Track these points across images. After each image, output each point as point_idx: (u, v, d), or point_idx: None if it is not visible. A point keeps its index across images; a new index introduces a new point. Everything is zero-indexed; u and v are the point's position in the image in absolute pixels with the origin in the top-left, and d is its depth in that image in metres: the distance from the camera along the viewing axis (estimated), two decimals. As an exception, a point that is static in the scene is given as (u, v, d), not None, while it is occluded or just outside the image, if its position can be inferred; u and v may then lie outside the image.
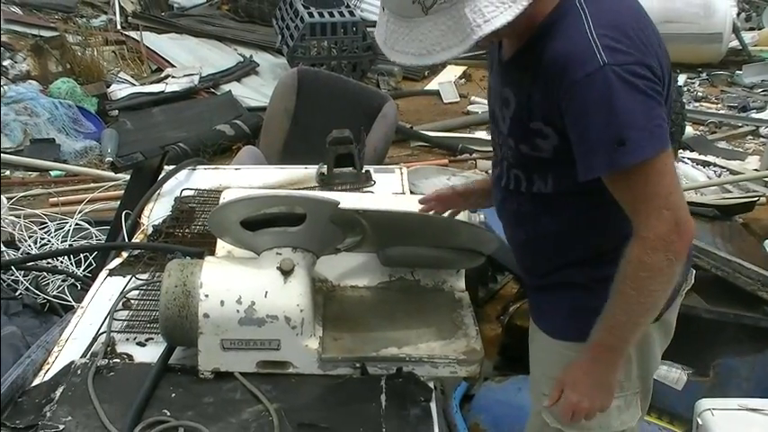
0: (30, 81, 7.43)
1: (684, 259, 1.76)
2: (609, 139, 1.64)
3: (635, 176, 1.67)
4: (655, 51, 1.70)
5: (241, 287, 2.03)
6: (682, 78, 8.07)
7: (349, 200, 2.18)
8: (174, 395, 2.03)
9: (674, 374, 3.07)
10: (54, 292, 3.85)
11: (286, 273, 2.04)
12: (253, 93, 7.62)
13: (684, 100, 6.70)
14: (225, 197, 2.44)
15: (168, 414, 1.95)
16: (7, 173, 6.10)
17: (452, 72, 8.34)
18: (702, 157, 6.12)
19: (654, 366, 2.07)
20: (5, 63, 7.76)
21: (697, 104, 7.65)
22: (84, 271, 4.09)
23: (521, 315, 3.62)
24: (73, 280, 3.97)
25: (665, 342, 2.09)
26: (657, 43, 1.74)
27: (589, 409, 1.88)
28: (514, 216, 2.00)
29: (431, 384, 2.09)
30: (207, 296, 2.02)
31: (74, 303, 3.66)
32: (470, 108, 7.49)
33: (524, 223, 1.98)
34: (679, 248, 1.70)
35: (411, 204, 2.33)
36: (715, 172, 5.92)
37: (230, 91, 7.55)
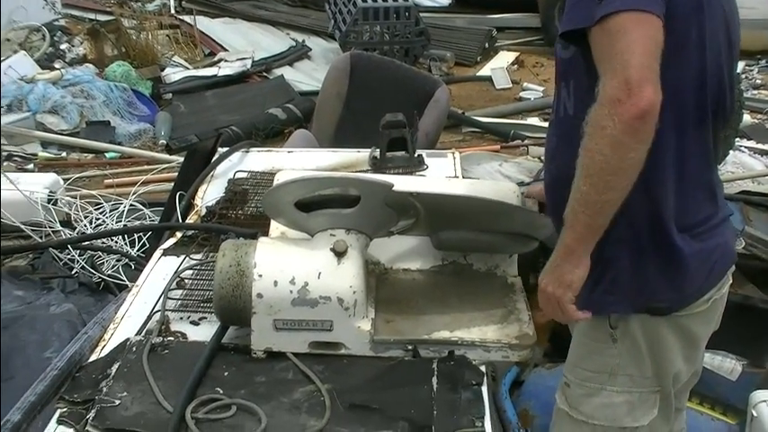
0: (86, 64, 7.54)
1: (635, 127, 1.64)
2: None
3: (603, 33, 1.66)
4: None
5: (294, 268, 2.04)
6: (740, 65, 7.92)
7: (403, 183, 2.17)
8: (226, 374, 2.05)
9: (728, 365, 3.02)
10: (108, 272, 3.91)
11: (339, 254, 2.05)
12: (305, 77, 7.64)
13: (743, 87, 6.57)
14: (279, 179, 2.45)
15: (221, 392, 1.97)
16: (63, 154, 6.20)
17: (505, 58, 8.28)
18: (760, 146, 6.00)
19: (672, 370, 1.98)
20: (63, 46, 7.87)
21: (755, 92, 7.50)
22: (137, 251, 4.13)
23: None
24: (127, 260, 4.02)
25: (689, 350, 2.00)
26: None
27: (551, 295, 1.83)
28: (548, 154, 2.01)
29: (482, 368, 2.08)
30: (260, 276, 2.03)
31: (127, 282, 3.71)
32: (523, 94, 7.43)
33: (552, 159, 1.98)
34: (625, 110, 1.62)
35: (465, 188, 2.33)
36: (773, 161, 5.81)
37: (282, 75, 7.58)
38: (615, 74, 1.63)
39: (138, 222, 4.45)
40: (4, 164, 5.86)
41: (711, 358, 2.91)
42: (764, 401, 2.42)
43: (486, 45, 8.47)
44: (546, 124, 6.56)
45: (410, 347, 2.10)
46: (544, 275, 1.86)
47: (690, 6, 1.73)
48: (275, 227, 2.35)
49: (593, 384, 1.97)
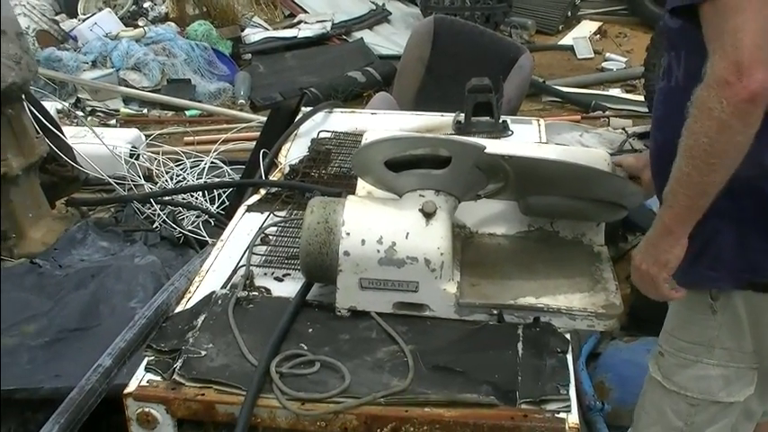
0: (168, 23, 7.62)
1: (744, 110, 1.59)
2: None
3: (714, 9, 1.60)
4: None
5: (382, 227, 2.03)
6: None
7: (493, 146, 2.14)
8: (311, 330, 2.05)
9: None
10: (189, 227, 3.95)
11: (428, 215, 2.03)
12: (384, 41, 7.62)
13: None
14: (368, 138, 2.44)
15: (305, 348, 1.98)
16: (145, 111, 6.29)
17: (587, 27, 8.15)
18: None
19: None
20: (146, 5, 7.96)
21: None
22: (217, 208, 4.17)
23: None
24: (207, 216, 4.06)
25: None
26: None
27: (645, 273, 1.82)
28: (655, 122, 1.96)
29: (567, 336, 2.05)
30: (348, 234, 2.03)
31: (207, 238, 3.76)
32: (605, 65, 7.32)
33: (658, 128, 1.93)
34: (734, 93, 1.57)
35: (556, 153, 2.29)
36: None
37: (362, 38, 7.57)
38: (726, 54, 1.58)
39: (218, 179, 4.49)
40: (88, 118, 5.98)
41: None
42: None
43: (569, 14, 8.34)
44: (628, 95, 6.50)
45: (495, 312, 2.07)
46: (639, 252, 1.84)
47: None
48: (362, 186, 2.33)
49: (689, 355, 1.94)
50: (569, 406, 1.82)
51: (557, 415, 1.81)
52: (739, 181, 1.70)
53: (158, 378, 1.91)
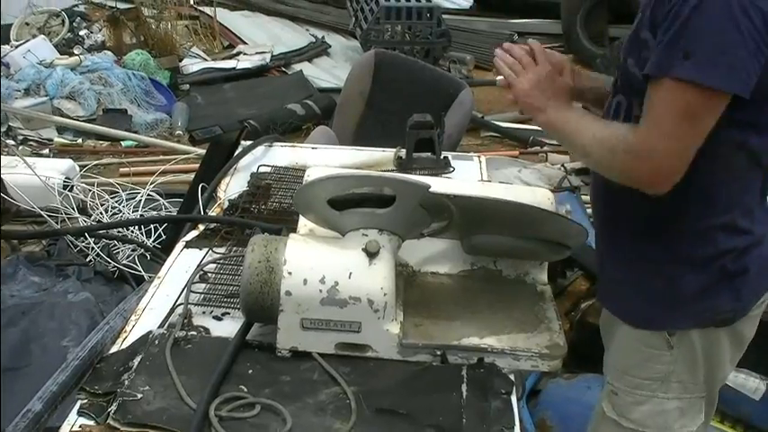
0: (105, 51, 7.53)
1: (636, 183, 1.76)
2: (680, 48, 1.64)
3: (672, 92, 1.66)
4: None
5: (325, 267, 2.00)
6: None
7: (438, 184, 2.13)
8: (251, 371, 2.00)
9: (752, 384, 2.98)
10: (124, 261, 3.88)
11: (371, 255, 2.00)
12: (324, 73, 7.62)
13: None
14: (309, 175, 2.40)
15: (245, 390, 1.92)
16: (80, 140, 6.17)
17: (525, 63, 8.23)
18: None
19: (721, 375, 2.00)
20: (82, 32, 7.85)
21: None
22: (153, 242, 4.11)
23: (592, 312, 3.55)
24: (143, 250, 3.99)
25: (737, 353, 2.02)
26: None
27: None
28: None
29: (512, 377, 2.03)
30: (290, 273, 1.99)
31: (144, 273, 3.68)
32: (542, 100, 7.38)
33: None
34: (640, 180, 1.74)
35: (500, 192, 2.28)
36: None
37: (301, 70, 7.56)
38: (651, 136, 1.69)
39: (154, 213, 4.42)
40: (20, 147, 5.85)
41: (735, 376, 2.88)
42: (788, 423, 2.38)
43: (507, 49, 8.41)
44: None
45: (439, 353, 2.05)
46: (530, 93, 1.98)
47: None
48: (303, 223, 2.30)
49: (645, 392, 1.95)
50: (514, 449, 1.80)
51: (502, 459, 1.79)
52: (699, 231, 1.77)
53: (92, 422, 1.83)
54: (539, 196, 2.35)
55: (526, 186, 3.24)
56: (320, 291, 1.98)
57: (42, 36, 7.53)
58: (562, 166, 5.33)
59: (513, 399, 1.97)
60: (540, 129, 6.53)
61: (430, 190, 2.00)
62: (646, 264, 1.95)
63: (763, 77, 1.65)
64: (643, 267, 1.96)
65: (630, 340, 1.98)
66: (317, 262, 2.01)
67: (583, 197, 4.28)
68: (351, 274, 1.99)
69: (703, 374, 1.95)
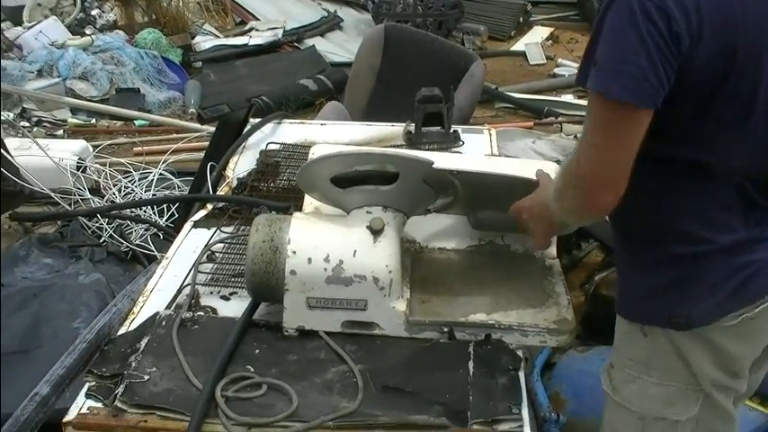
0: (116, 31, 7.51)
1: (575, 212, 1.79)
2: (593, 57, 1.60)
3: (591, 102, 1.65)
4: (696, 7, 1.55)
5: (329, 245, 1.99)
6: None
7: (442, 159, 2.10)
8: (257, 351, 2.00)
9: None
10: (137, 242, 3.88)
11: (376, 232, 1.99)
12: (336, 48, 7.57)
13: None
14: (314, 153, 2.39)
15: (252, 370, 1.92)
16: (93, 121, 6.18)
17: (539, 33, 8.18)
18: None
19: (703, 375, 1.86)
20: (94, 12, 7.84)
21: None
22: (166, 221, 4.11)
23: (606, 284, 3.52)
24: (156, 230, 3.99)
25: (721, 361, 1.86)
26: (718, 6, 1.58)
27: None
28: None
29: (519, 353, 2.02)
30: (294, 253, 1.98)
31: (156, 253, 3.69)
32: (557, 71, 7.33)
33: None
34: (569, 199, 1.74)
35: (506, 167, 2.26)
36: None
37: (314, 46, 7.52)
38: (580, 157, 1.67)
39: (167, 191, 4.42)
40: (34, 129, 5.86)
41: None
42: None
43: (521, 19, 8.36)
44: (580, 101, 6.51)
45: (446, 329, 2.03)
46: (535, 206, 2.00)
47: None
48: (309, 202, 2.29)
49: (632, 371, 1.92)
50: (522, 426, 1.79)
51: (509, 436, 1.77)
52: (651, 234, 1.81)
53: (99, 405, 1.84)
54: (545, 169, 2.32)
55: (534, 160, 3.20)
56: (325, 269, 1.97)
57: (54, 17, 7.51)
58: (576, 136, 5.28)
59: (521, 375, 1.96)
60: (555, 100, 6.53)
61: (433, 166, 1.98)
62: (621, 259, 1.96)
63: (684, 86, 1.59)
64: (620, 262, 1.97)
65: (619, 320, 1.96)
66: (321, 240, 2.00)
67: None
68: (355, 252, 1.98)
69: (683, 370, 1.86)
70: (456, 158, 2.64)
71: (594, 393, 3.06)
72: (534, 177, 2.11)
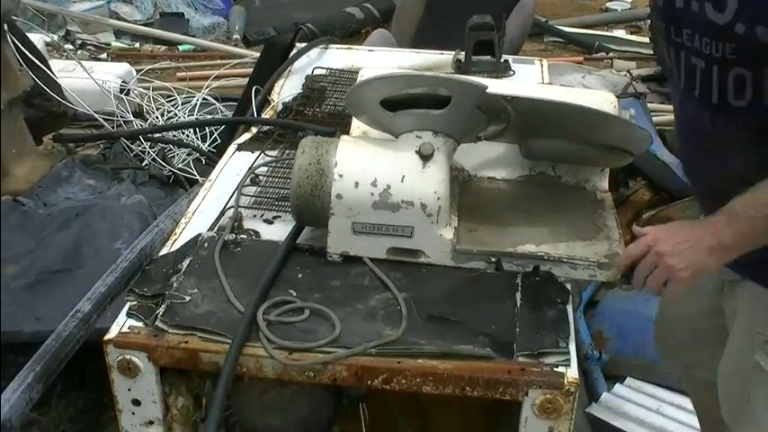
0: (161, -46, 7.42)
1: None
2: None
3: None
4: None
5: (377, 169, 1.93)
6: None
7: (495, 86, 2.03)
8: (300, 275, 1.97)
9: None
10: (179, 165, 3.86)
11: (425, 157, 1.93)
12: (383, -24, 7.42)
13: None
14: (363, 75, 2.32)
15: (294, 294, 1.89)
16: (137, 45, 6.14)
17: (592, -34, 7.96)
18: None
19: None
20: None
21: None
22: (208, 146, 4.08)
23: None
24: (198, 154, 3.97)
25: None
26: None
27: (667, 264, 1.69)
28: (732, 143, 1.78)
29: (568, 286, 1.96)
30: (341, 176, 1.93)
31: (198, 177, 3.66)
32: (609, 5, 7.17)
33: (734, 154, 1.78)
34: None
35: (560, 95, 2.18)
36: None
37: (361, -28, 7.37)
38: None
39: (210, 116, 4.38)
40: (78, 52, 5.84)
41: None
42: None
43: (574, -49, 8.15)
44: (633, 37, 6.36)
45: (493, 260, 1.98)
46: (664, 239, 1.73)
47: None
48: (357, 125, 2.23)
49: None
50: (569, 360, 1.74)
51: (555, 369, 1.72)
52: None
53: (140, 324, 1.82)
54: (601, 99, 2.24)
55: (588, 89, 3.11)
56: (372, 194, 1.92)
57: (99, -61, 7.45)
58: (628, 72, 5.16)
59: (570, 308, 1.90)
60: (606, 35, 6.38)
61: (487, 91, 1.91)
62: None
63: None
64: None
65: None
66: (368, 164, 1.95)
67: (648, 104, 4.15)
68: (404, 177, 1.92)
69: None
70: (509, 85, 2.56)
71: (637, 332, 3.04)
72: (589, 106, 2.03)
